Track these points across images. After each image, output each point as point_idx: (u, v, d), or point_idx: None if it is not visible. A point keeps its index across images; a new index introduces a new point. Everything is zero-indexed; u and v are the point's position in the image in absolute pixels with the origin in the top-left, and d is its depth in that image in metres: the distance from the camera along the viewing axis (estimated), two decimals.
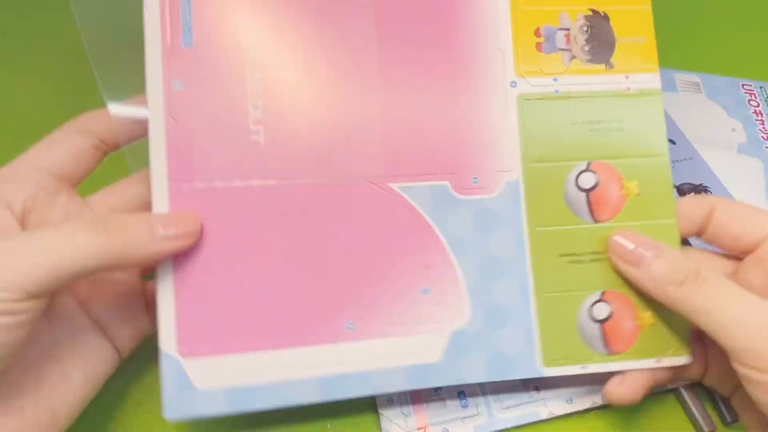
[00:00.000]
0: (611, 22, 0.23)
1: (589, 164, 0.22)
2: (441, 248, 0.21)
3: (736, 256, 0.21)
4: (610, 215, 0.22)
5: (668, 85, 0.34)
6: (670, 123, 0.31)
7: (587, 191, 0.22)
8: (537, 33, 0.22)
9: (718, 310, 0.18)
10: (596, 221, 0.21)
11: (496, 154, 0.22)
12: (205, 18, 0.20)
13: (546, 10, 0.22)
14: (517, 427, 0.23)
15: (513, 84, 0.22)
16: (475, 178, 0.21)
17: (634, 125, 0.22)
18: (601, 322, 0.21)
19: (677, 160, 0.30)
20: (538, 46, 0.22)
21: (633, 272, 0.20)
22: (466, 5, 0.22)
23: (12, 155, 0.20)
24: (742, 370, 0.18)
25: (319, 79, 0.21)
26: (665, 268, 0.19)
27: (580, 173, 0.22)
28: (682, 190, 0.29)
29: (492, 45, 0.22)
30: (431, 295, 0.21)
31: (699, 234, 0.21)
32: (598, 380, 0.22)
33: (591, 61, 0.22)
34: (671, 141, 0.30)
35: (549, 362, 0.21)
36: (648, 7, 0.23)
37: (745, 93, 0.33)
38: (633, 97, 0.22)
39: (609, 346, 0.21)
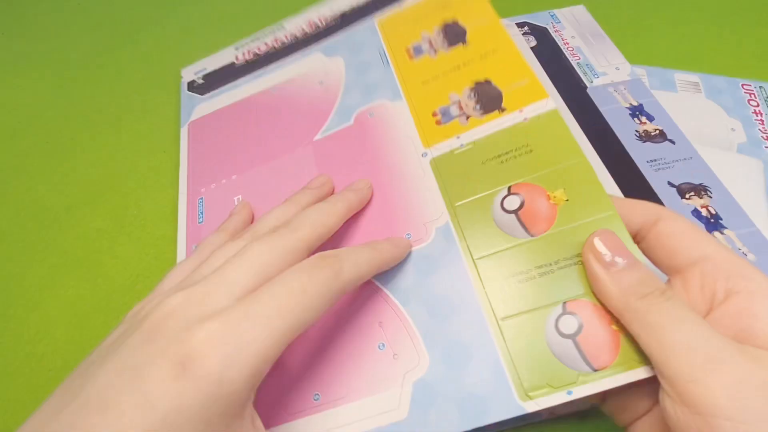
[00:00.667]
0: (494, 83, 0.26)
1: (509, 188, 0.23)
2: (390, 303, 0.23)
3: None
4: (546, 226, 0.21)
5: (668, 85, 0.34)
6: (670, 123, 0.31)
7: (515, 212, 0.22)
8: (434, 114, 0.27)
9: (673, 329, 0.17)
10: (533, 235, 0.21)
11: (422, 209, 0.25)
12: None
13: (434, 94, 0.27)
14: (517, 428, 0.23)
15: (424, 155, 0.26)
16: (408, 234, 0.24)
17: (541, 142, 0.23)
18: (573, 336, 0.19)
19: (677, 160, 0.30)
20: (437, 122, 0.26)
21: (601, 275, 0.19)
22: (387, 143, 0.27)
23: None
24: (669, 402, 0.16)
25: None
26: (635, 278, 0.18)
27: (503, 198, 0.23)
28: (682, 190, 0.29)
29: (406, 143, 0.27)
30: (387, 349, 0.21)
31: (635, 240, 0.21)
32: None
33: (485, 113, 0.25)
34: (671, 141, 0.31)
35: (528, 395, 0.19)
36: (521, 59, 0.26)
37: (745, 93, 0.33)
38: (531, 122, 0.24)
39: (591, 361, 0.19)
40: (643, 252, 0.20)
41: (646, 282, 0.18)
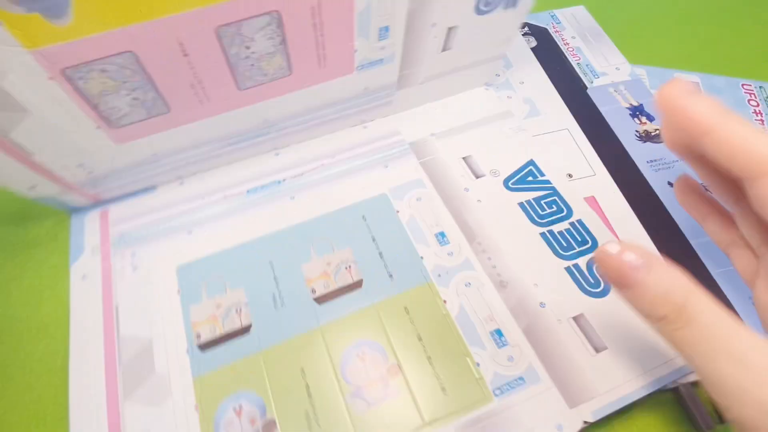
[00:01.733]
0: None
1: None
2: None
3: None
4: None
5: None
6: None
7: None
8: None
9: (703, 364, 0.16)
10: None
11: None
12: None
13: None
14: None
15: None
16: None
17: None
18: None
19: (677, 160, 0.30)
20: None
21: (622, 293, 0.18)
22: None
23: None
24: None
25: None
26: (646, 300, 0.17)
27: None
28: None
29: None
30: None
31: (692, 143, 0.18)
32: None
33: None
34: None
35: None
36: None
37: (745, 93, 0.33)
38: None
39: None
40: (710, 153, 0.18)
41: (658, 302, 0.17)
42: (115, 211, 0.29)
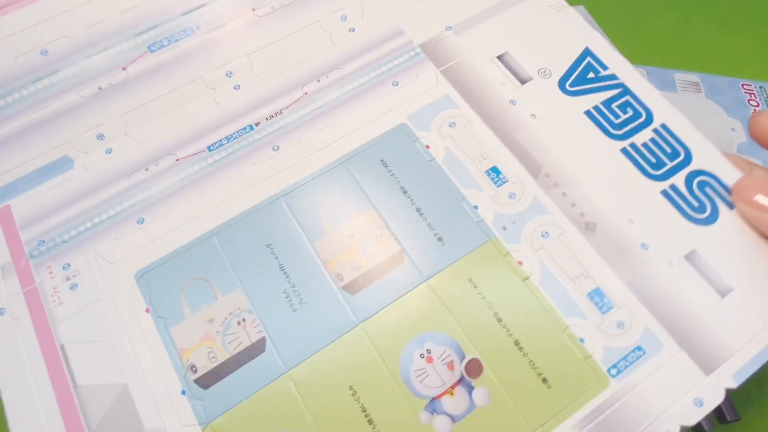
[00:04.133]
0: None
1: None
2: None
3: None
4: None
5: (668, 85, 0.33)
6: None
7: None
8: None
9: None
10: None
11: None
12: None
13: None
14: None
15: None
16: None
17: None
18: None
19: None
20: None
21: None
22: None
23: None
24: None
25: None
26: None
27: None
28: None
29: None
30: None
31: None
32: None
33: None
34: None
35: None
36: None
37: (745, 93, 0.33)
38: None
39: None
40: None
41: None
42: (20, 206, 0.20)
